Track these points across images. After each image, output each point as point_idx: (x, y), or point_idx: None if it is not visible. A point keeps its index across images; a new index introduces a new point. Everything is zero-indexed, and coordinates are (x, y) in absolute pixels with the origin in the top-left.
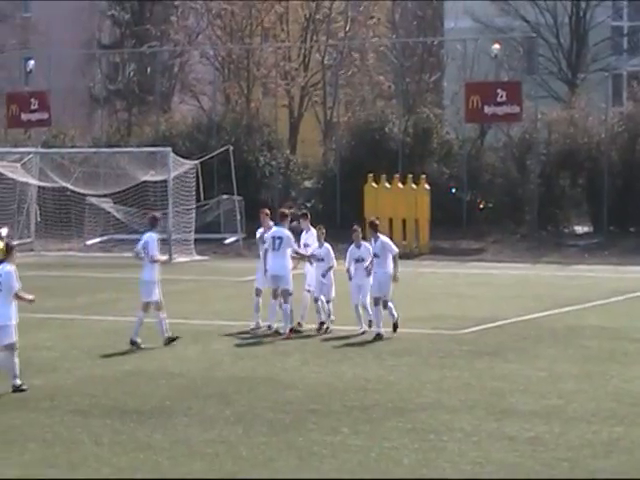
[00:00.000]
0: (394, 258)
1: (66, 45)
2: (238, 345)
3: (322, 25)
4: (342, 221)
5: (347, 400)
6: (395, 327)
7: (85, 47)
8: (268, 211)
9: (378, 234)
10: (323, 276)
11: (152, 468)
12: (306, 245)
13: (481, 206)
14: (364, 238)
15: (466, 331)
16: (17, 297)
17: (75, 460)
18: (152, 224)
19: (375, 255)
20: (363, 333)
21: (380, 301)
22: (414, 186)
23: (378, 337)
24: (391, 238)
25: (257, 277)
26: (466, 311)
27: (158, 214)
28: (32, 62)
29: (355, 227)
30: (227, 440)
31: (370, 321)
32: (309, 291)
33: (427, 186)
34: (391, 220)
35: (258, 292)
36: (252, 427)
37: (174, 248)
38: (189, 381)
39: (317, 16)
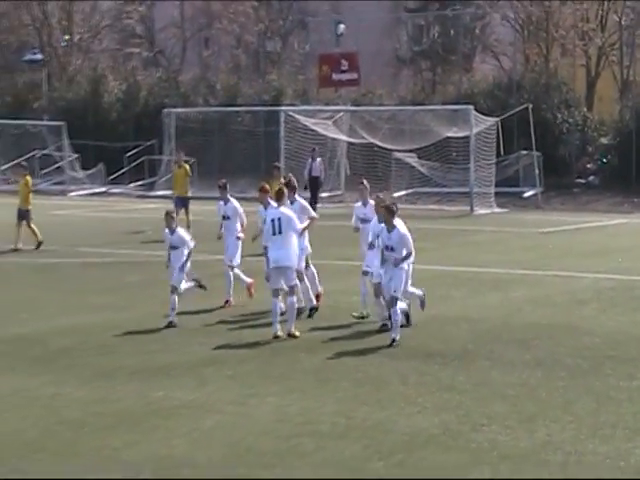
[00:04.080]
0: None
1: (374, 9)
2: (537, 293)
3: None
4: (637, 176)
5: None
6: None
7: (392, 11)
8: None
9: (395, 222)
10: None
11: (456, 408)
12: None
13: None
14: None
15: None
16: None
17: (383, 398)
18: None
19: (390, 248)
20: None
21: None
22: None
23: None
24: None
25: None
26: None
27: None
28: (342, 26)
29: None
30: (527, 383)
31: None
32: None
33: None
34: None
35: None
36: (552, 371)
37: (475, 201)
38: (490, 326)
39: None
